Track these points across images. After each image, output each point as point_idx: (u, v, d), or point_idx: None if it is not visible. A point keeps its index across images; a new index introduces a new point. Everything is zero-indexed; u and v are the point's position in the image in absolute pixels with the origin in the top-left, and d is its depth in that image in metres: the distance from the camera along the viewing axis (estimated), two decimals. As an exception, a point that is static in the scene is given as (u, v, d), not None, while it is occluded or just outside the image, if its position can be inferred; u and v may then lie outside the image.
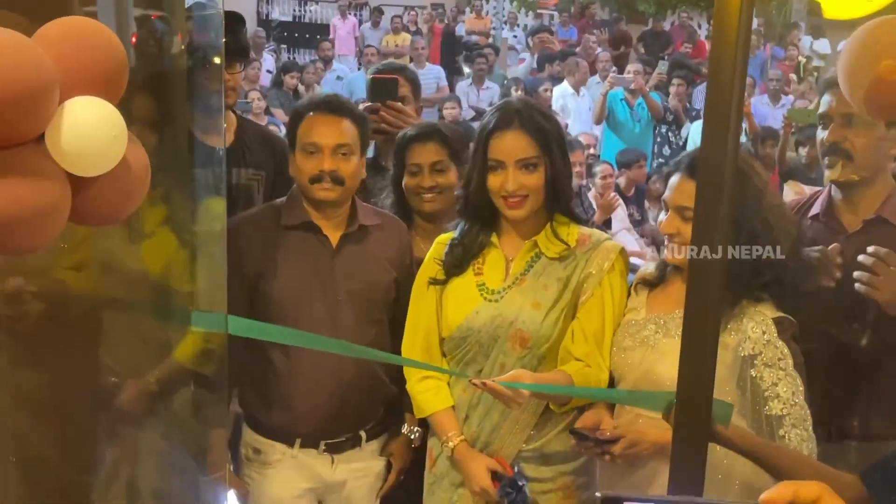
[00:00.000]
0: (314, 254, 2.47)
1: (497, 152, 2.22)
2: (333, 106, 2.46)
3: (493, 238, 2.34)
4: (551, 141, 2.22)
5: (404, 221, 2.75)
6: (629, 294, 2.30)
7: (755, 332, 1.98)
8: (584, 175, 6.14)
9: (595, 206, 5.87)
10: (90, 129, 1.37)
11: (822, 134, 2.32)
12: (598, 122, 8.35)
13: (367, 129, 2.55)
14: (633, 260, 6.08)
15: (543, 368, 2.25)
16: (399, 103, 3.03)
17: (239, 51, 2.99)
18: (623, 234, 6.35)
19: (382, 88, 2.99)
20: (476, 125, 2.39)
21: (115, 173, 1.43)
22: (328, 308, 2.45)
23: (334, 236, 2.49)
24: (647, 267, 2.31)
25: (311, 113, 2.45)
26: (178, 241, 1.96)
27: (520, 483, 2.19)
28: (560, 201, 2.29)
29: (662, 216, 2.19)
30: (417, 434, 2.61)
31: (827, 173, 2.33)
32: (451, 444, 2.31)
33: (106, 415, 1.91)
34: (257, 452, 2.53)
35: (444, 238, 2.43)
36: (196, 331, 1.97)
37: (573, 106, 8.87)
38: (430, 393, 2.37)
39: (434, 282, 2.38)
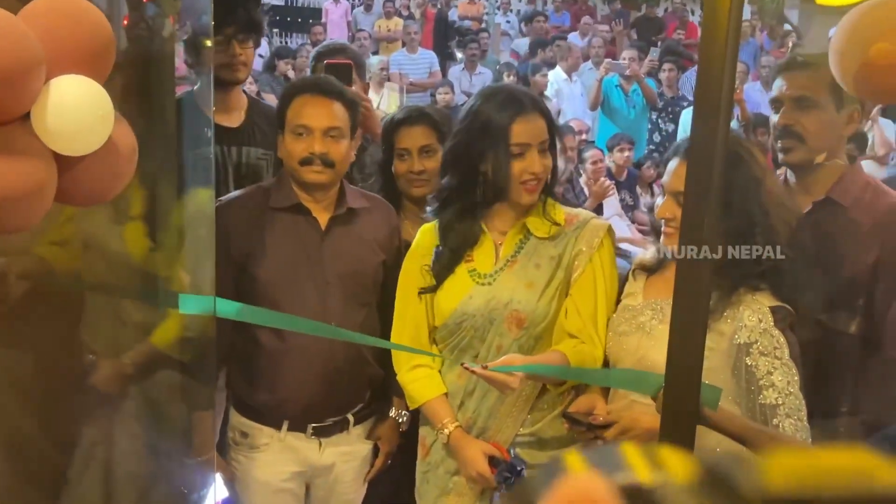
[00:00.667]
0: (303, 236, 2.47)
1: (522, 136, 2.21)
2: (324, 88, 2.45)
3: (482, 226, 2.34)
4: (553, 125, 2.27)
5: (393, 205, 2.75)
6: (627, 279, 2.30)
7: (751, 321, 1.98)
8: (575, 160, 6.13)
9: (587, 192, 5.88)
10: (76, 108, 1.36)
11: (774, 118, 2.36)
12: (593, 108, 8.34)
13: (358, 112, 2.54)
14: (623, 246, 6.12)
15: (540, 348, 2.26)
16: (353, 88, 3.01)
17: (252, 25, 2.97)
18: (615, 221, 6.36)
19: (336, 74, 2.91)
20: (473, 102, 2.36)
21: (102, 153, 1.42)
22: (317, 290, 2.45)
23: (323, 218, 2.48)
24: (646, 253, 2.30)
25: (302, 95, 2.44)
26: (148, 230, 1.95)
27: (518, 468, 2.20)
28: (552, 184, 2.32)
29: (659, 200, 2.18)
30: (405, 418, 2.62)
31: (780, 156, 2.37)
32: (446, 430, 2.31)
33: (87, 395, 1.90)
34: (244, 436, 2.53)
35: (426, 229, 2.42)
36: (175, 316, 1.96)
37: (567, 91, 8.87)
38: (421, 382, 2.37)
39: (424, 291, 2.37)
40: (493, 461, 2.24)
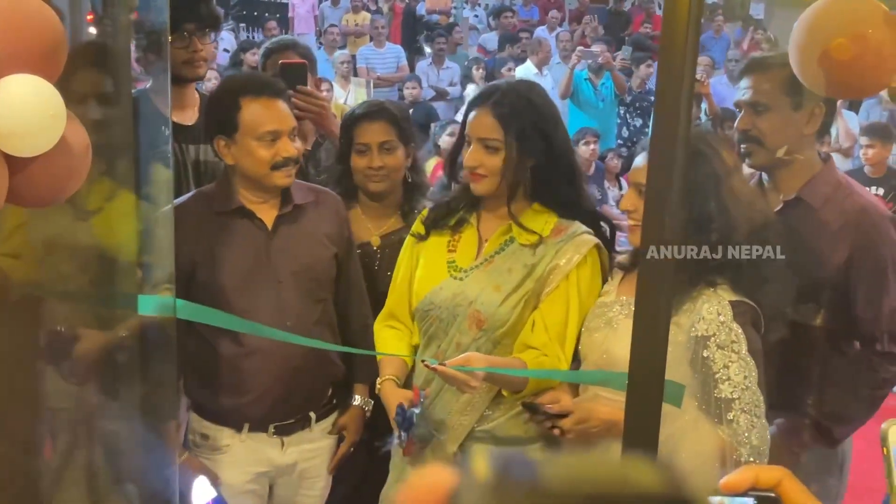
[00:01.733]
0: (250, 239, 2.44)
1: (470, 128, 2.27)
2: (275, 87, 2.43)
3: (473, 217, 2.35)
4: (515, 127, 2.20)
5: (349, 200, 2.75)
6: (607, 279, 2.29)
7: (710, 313, 1.98)
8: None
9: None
10: (27, 108, 1.34)
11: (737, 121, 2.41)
12: (563, 97, 8.34)
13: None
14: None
15: (498, 353, 2.24)
16: (308, 87, 2.98)
17: (210, 19, 2.94)
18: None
19: (291, 74, 2.92)
20: (437, 105, 2.40)
21: (54, 153, 1.40)
22: (270, 292, 2.43)
23: (269, 218, 2.46)
24: (625, 253, 2.30)
25: (254, 97, 2.39)
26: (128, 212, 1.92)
27: (408, 413, 2.19)
28: (542, 191, 2.27)
29: (626, 192, 2.20)
30: (370, 405, 2.63)
31: (746, 160, 2.39)
32: (379, 381, 2.34)
33: (45, 410, 1.88)
34: (205, 438, 2.51)
35: (426, 213, 2.46)
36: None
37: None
38: (392, 334, 2.43)
39: (414, 234, 2.42)
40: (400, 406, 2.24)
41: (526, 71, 8.90)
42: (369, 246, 2.76)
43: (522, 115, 2.21)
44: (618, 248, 2.36)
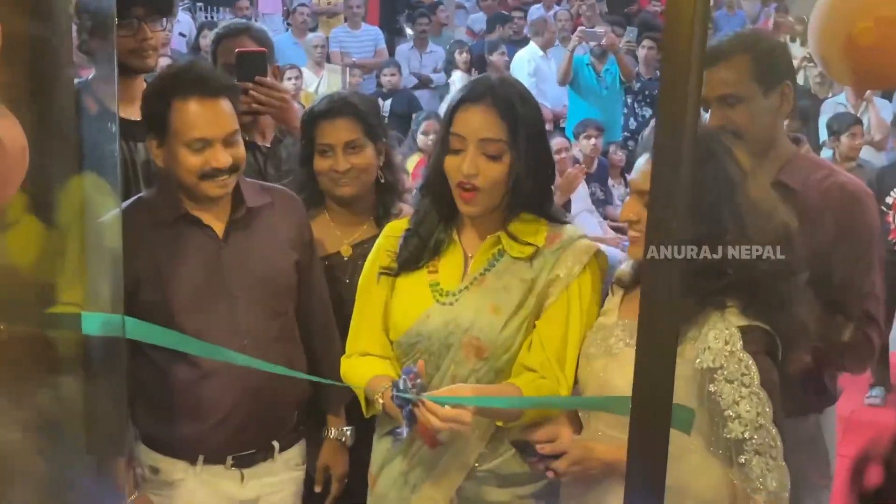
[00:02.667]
0: (199, 250, 2.44)
1: (461, 126, 2.19)
2: (209, 85, 2.39)
3: (454, 233, 2.32)
4: (521, 127, 2.17)
5: (316, 206, 2.76)
6: (606, 295, 2.28)
7: (716, 342, 1.96)
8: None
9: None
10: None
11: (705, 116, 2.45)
12: (562, 83, 8.35)
13: (240, 98, 2.54)
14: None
15: (500, 383, 2.22)
16: (269, 78, 2.97)
17: (162, 3, 2.93)
18: (584, 217, 6.39)
19: (249, 64, 2.90)
20: (420, 94, 2.39)
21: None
22: (224, 308, 2.43)
23: (219, 226, 2.46)
24: (626, 265, 2.27)
25: (184, 97, 2.36)
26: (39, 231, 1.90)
27: (399, 384, 2.11)
28: (527, 199, 2.24)
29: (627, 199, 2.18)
30: (349, 433, 2.64)
31: None
32: (379, 396, 2.23)
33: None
34: (155, 472, 2.49)
35: (396, 227, 2.41)
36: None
37: (546, 69, 8.82)
38: (372, 360, 2.34)
39: (384, 271, 2.35)
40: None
41: (530, 53, 8.86)
42: (339, 256, 2.76)
43: (524, 111, 2.19)
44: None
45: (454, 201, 2.24)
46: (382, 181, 2.80)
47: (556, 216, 2.30)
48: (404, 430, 2.15)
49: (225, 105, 2.39)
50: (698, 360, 1.97)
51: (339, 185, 2.72)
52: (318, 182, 2.76)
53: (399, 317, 2.31)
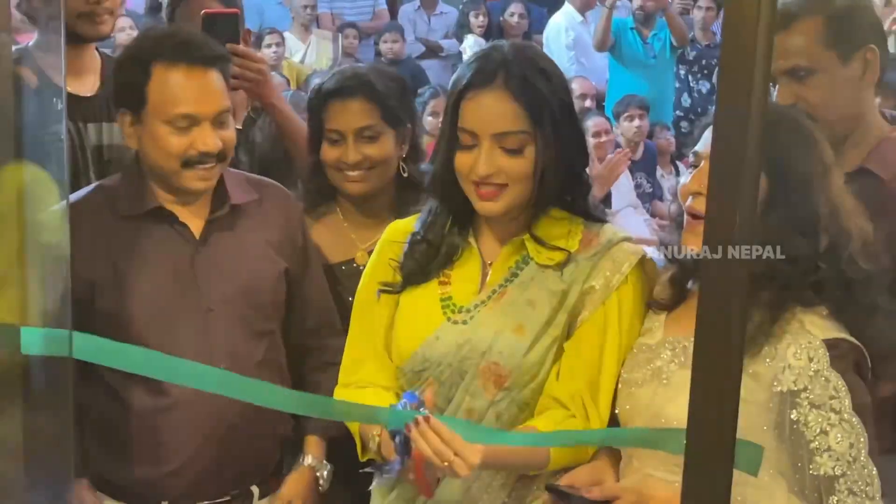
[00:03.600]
0: (170, 251, 2.45)
1: (469, 120, 2.15)
2: (200, 51, 2.40)
3: (470, 237, 2.30)
4: (546, 110, 2.14)
5: (326, 203, 2.78)
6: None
7: (799, 360, 1.96)
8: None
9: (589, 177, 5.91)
10: None
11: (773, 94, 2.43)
12: (599, 48, 8.31)
13: (229, 72, 2.54)
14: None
15: (525, 418, 2.21)
16: (242, 45, 2.97)
17: None
18: (628, 214, 6.39)
19: (219, 28, 2.87)
20: (428, 65, 2.37)
21: None
22: (196, 323, 2.43)
23: (196, 224, 2.47)
24: (661, 283, 2.27)
25: (168, 63, 2.37)
26: None
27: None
28: (558, 194, 2.23)
29: (685, 178, 2.17)
30: (327, 472, 2.59)
31: None
32: (375, 434, 2.21)
33: None
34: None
35: (399, 229, 2.38)
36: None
37: (587, 39, 8.73)
38: (371, 394, 2.30)
39: (385, 288, 2.33)
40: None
41: (568, 19, 8.77)
42: (354, 264, 2.76)
43: (547, 89, 2.16)
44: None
45: (469, 198, 2.22)
46: (405, 175, 2.79)
47: (592, 213, 2.28)
48: (395, 466, 2.08)
49: (216, 78, 2.41)
50: (776, 383, 1.97)
51: (348, 180, 2.74)
52: (328, 177, 2.77)
53: (402, 339, 2.29)
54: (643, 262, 2.24)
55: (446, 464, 1.96)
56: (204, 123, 2.37)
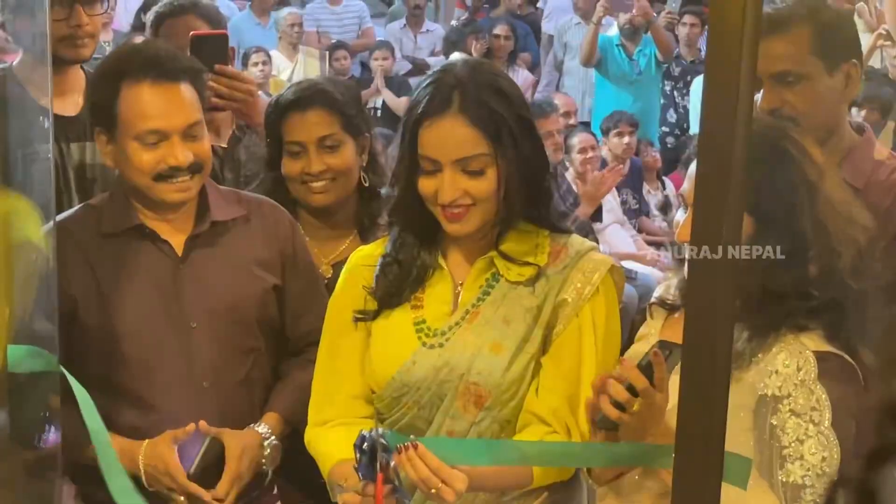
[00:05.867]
0: (152, 268, 2.44)
1: (429, 148, 2.15)
2: (167, 67, 2.38)
3: (439, 257, 2.27)
4: (504, 130, 2.14)
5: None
6: (644, 317, 2.29)
7: (787, 367, 1.97)
8: (561, 150, 6.15)
9: (576, 192, 5.91)
10: None
11: (757, 96, 2.42)
12: (585, 63, 8.35)
13: (204, 85, 2.54)
14: (628, 265, 6.14)
15: (506, 436, 2.21)
16: (230, 66, 2.98)
17: None
18: (614, 230, 6.42)
19: (207, 49, 2.89)
20: (415, 83, 2.34)
21: None
22: (179, 339, 2.42)
23: (178, 240, 2.45)
24: (669, 282, 2.28)
25: (135, 80, 2.36)
26: None
27: (371, 437, 1.98)
28: (524, 208, 2.22)
29: (680, 215, 2.16)
30: (272, 448, 2.46)
31: None
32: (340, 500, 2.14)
33: None
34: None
35: (365, 254, 2.37)
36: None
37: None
38: (346, 433, 2.20)
39: (361, 316, 2.30)
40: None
41: (572, 28, 8.80)
42: None
43: (503, 107, 2.15)
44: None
45: (435, 219, 2.21)
46: (366, 184, 2.79)
47: (558, 224, 2.28)
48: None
49: (185, 91, 2.39)
50: (762, 385, 1.98)
51: (313, 192, 2.73)
52: (289, 188, 2.76)
53: (378, 365, 2.26)
54: (612, 270, 2.24)
55: (434, 491, 1.97)
56: (173, 138, 2.35)
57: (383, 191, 2.38)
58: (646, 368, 1.93)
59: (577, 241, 2.28)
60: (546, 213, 2.26)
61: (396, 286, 2.27)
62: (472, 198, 2.13)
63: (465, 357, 2.19)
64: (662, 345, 1.95)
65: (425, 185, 2.16)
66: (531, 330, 2.20)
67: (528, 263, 2.21)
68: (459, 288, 2.26)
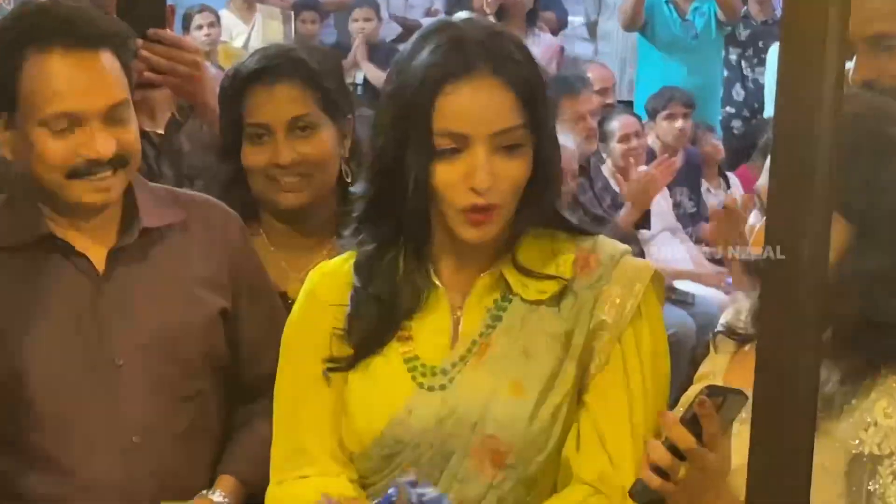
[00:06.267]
0: (66, 290, 2.43)
1: (455, 119, 2.10)
2: (83, 30, 2.37)
3: (431, 273, 2.24)
4: (539, 97, 2.15)
5: (248, 223, 2.71)
6: (708, 351, 2.29)
7: (889, 418, 1.97)
8: (595, 137, 6.14)
9: (616, 191, 5.90)
10: None
11: (849, 65, 2.43)
12: (628, 27, 8.35)
13: (131, 57, 2.52)
14: (682, 286, 6.12)
15: (532, 501, 2.18)
16: (169, 31, 2.97)
17: None
18: (666, 241, 6.39)
19: (138, 9, 2.87)
20: (403, 51, 2.28)
21: None
22: (102, 383, 2.41)
23: (99, 254, 2.43)
24: (738, 306, 2.28)
25: (43, 47, 2.34)
26: None
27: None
28: (542, 200, 2.21)
29: (754, 219, 2.16)
30: None
31: None
32: None
33: None
34: None
35: (330, 284, 2.31)
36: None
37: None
38: (317, 485, 2.22)
39: (334, 366, 2.26)
40: None
41: None
42: (287, 300, 2.69)
43: (535, 71, 2.17)
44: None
45: (427, 224, 2.19)
46: (349, 180, 2.75)
47: (576, 225, 2.28)
48: None
49: (107, 62, 2.37)
50: (857, 441, 1.98)
51: (281, 189, 2.73)
52: (249, 185, 2.78)
53: (362, 419, 2.23)
54: (655, 280, 2.24)
55: None
56: (91, 122, 2.33)
57: (356, 189, 2.28)
58: (692, 422, 1.90)
59: (606, 243, 2.26)
60: (561, 213, 2.26)
61: (378, 328, 2.24)
62: (506, 185, 2.11)
63: (477, 402, 2.16)
64: (712, 390, 1.93)
65: (447, 172, 2.10)
66: (561, 363, 2.18)
67: (550, 277, 2.19)
68: (459, 313, 2.24)
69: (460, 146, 2.10)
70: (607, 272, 2.19)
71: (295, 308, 2.36)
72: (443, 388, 2.19)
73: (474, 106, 2.10)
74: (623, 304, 2.17)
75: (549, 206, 2.23)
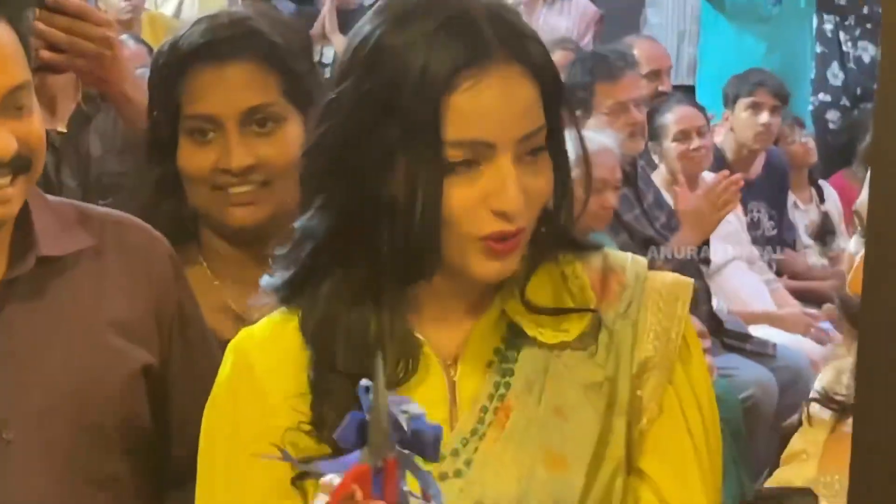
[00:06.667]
0: None
1: (476, 124, 2.06)
2: None
3: (416, 331, 2.22)
4: (559, 89, 2.17)
5: (182, 249, 2.72)
6: (800, 422, 2.34)
7: None
8: (643, 134, 6.13)
9: (669, 206, 5.91)
10: None
11: None
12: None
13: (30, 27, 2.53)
14: (762, 332, 6.19)
15: None
16: None
17: None
18: (738, 272, 6.42)
19: None
20: (373, 27, 2.22)
21: None
22: None
23: None
24: (840, 368, 2.34)
25: None
26: None
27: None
28: (571, 221, 2.24)
29: (854, 246, 2.19)
30: None
31: None
32: None
33: None
34: None
35: (260, 345, 2.25)
36: None
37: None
38: None
39: (306, 470, 2.15)
40: None
41: None
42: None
43: (551, 58, 2.17)
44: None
45: (436, 262, 2.14)
46: None
47: (580, 241, 2.28)
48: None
49: (1, 34, 2.37)
50: None
51: (230, 203, 2.74)
52: (188, 197, 2.78)
53: None
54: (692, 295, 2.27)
55: None
56: None
57: (305, 224, 2.19)
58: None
59: (619, 258, 2.28)
60: (570, 231, 2.25)
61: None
62: (535, 205, 2.12)
63: (508, 487, 2.16)
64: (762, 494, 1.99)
65: (462, 192, 2.07)
66: (608, 421, 2.19)
67: (571, 310, 2.19)
68: (453, 373, 2.24)
69: (478, 157, 2.07)
70: (637, 295, 2.22)
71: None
72: (458, 474, 2.17)
73: (497, 104, 2.08)
74: (666, 331, 2.20)
75: (569, 228, 2.23)
